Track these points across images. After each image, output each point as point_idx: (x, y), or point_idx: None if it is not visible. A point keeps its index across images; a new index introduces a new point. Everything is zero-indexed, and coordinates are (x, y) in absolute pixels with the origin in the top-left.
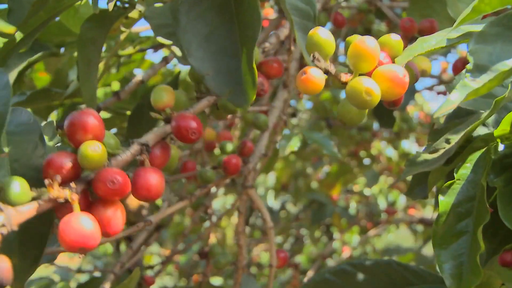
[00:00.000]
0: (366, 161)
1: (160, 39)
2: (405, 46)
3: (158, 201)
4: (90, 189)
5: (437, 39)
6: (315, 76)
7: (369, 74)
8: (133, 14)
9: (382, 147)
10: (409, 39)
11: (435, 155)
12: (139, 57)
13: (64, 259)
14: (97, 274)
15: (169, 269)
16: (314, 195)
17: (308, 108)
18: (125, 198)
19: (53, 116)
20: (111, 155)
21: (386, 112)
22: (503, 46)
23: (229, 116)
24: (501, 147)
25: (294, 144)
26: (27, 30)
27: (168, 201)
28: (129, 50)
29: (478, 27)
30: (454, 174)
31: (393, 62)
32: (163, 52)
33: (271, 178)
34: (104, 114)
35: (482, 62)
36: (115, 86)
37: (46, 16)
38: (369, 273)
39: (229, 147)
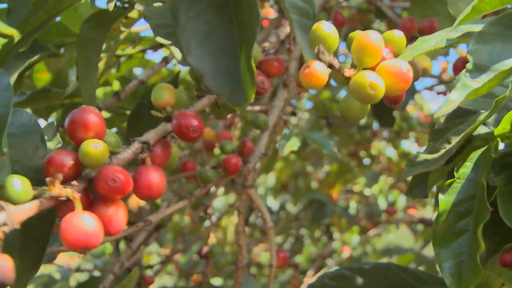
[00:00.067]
0: (366, 161)
1: (160, 39)
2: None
3: (158, 201)
4: (92, 187)
5: (437, 39)
6: (318, 70)
7: (372, 69)
8: (133, 14)
9: (382, 147)
10: (409, 39)
11: (435, 155)
12: (139, 56)
13: (64, 258)
14: (96, 273)
15: (168, 269)
16: (314, 195)
17: (308, 108)
18: (126, 197)
19: (54, 117)
20: (112, 153)
21: (386, 112)
22: (503, 46)
23: (229, 115)
24: (501, 146)
25: (294, 144)
26: (26, 30)
27: (167, 201)
28: (129, 50)
29: (478, 27)
30: (455, 173)
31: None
32: (163, 52)
33: (271, 178)
34: (104, 114)
35: (482, 61)
36: (116, 85)
37: (46, 16)
38: (368, 277)
39: (229, 147)
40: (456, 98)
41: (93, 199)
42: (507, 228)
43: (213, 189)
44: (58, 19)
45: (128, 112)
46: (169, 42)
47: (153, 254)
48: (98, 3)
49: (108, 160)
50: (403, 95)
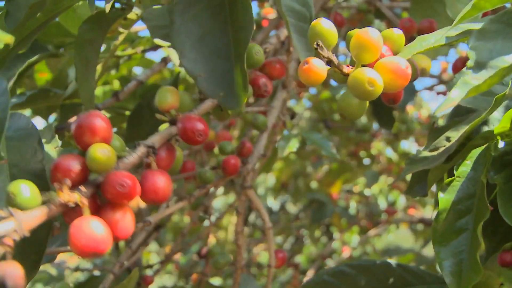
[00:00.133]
0: (366, 161)
1: (157, 41)
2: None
3: None
4: (99, 192)
5: (436, 38)
6: (317, 66)
7: (371, 66)
8: (132, 15)
9: (382, 147)
10: (408, 39)
11: (435, 153)
12: (139, 56)
13: (64, 257)
14: (96, 273)
15: (168, 268)
16: (314, 195)
17: (308, 107)
18: (133, 201)
19: (54, 116)
20: (118, 157)
21: (386, 112)
22: (504, 43)
23: None
24: (501, 144)
25: (293, 145)
26: (25, 32)
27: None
28: (128, 51)
29: (477, 25)
30: (454, 171)
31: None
32: (164, 51)
33: (271, 178)
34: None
35: (482, 59)
36: (116, 84)
37: (44, 18)
38: (368, 274)
39: (228, 147)
40: (456, 95)
41: (100, 204)
42: (507, 227)
43: (212, 189)
44: (57, 19)
45: (127, 113)
46: (167, 44)
47: (153, 252)
48: (97, 3)
49: (115, 164)
50: (401, 94)
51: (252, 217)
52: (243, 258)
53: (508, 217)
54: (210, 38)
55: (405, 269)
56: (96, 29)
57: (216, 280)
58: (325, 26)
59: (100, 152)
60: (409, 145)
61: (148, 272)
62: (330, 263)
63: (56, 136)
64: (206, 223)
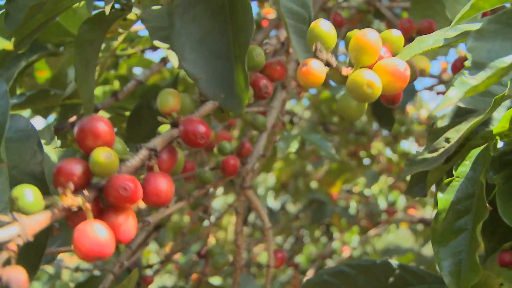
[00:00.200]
0: (366, 161)
1: (157, 43)
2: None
3: None
4: (101, 196)
5: (434, 39)
6: (315, 68)
7: (370, 68)
8: (131, 15)
9: (382, 147)
10: (407, 40)
11: (434, 154)
12: (139, 56)
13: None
14: (96, 272)
15: (168, 267)
16: (314, 195)
17: (308, 107)
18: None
19: (53, 115)
20: (120, 161)
21: (386, 112)
22: (502, 43)
23: None
24: (500, 144)
25: (293, 146)
26: (25, 32)
27: None
28: (128, 51)
29: (475, 26)
30: (453, 171)
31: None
32: (164, 51)
33: (271, 178)
34: (104, 114)
35: (480, 59)
36: (116, 85)
37: (44, 18)
38: (368, 274)
39: (228, 148)
40: (454, 95)
41: (103, 207)
42: (506, 227)
43: (212, 189)
44: (57, 19)
45: (127, 113)
46: (167, 45)
47: (153, 252)
48: (97, 3)
49: (117, 168)
50: (400, 95)
51: (252, 217)
52: (243, 258)
53: (507, 217)
54: (210, 40)
55: (405, 269)
56: (96, 29)
57: (216, 280)
58: (323, 28)
59: (103, 156)
60: (409, 145)
61: (148, 272)
62: (330, 263)
63: (56, 137)
64: (206, 223)
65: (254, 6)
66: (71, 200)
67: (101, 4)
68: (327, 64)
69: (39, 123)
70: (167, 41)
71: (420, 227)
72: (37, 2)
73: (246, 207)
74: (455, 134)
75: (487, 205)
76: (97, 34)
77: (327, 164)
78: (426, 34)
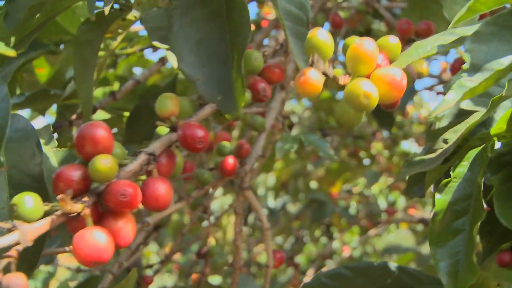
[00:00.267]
0: (366, 161)
1: (156, 44)
2: (402, 48)
3: None
4: (100, 201)
5: (432, 44)
6: (313, 78)
7: (367, 77)
8: (131, 16)
9: (381, 147)
10: (406, 41)
11: (432, 155)
12: (138, 55)
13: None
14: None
15: (168, 267)
16: (314, 195)
17: (308, 107)
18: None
19: (52, 113)
20: (119, 165)
21: (385, 112)
22: (499, 45)
23: None
24: (498, 145)
25: (292, 147)
26: (24, 32)
27: None
28: (127, 50)
29: (473, 29)
30: (451, 172)
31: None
32: (163, 51)
33: (271, 178)
34: (104, 115)
35: (478, 61)
36: (116, 85)
37: (44, 18)
38: (366, 276)
39: (226, 148)
40: (452, 98)
41: (102, 212)
42: (504, 228)
43: (211, 190)
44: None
45: (126, 114)
46: (166, 46)
47: (153, 252)
48: (96, 3)
49: (116, 173)
50: (399, 100)
51: (251, 217)
52: (243, 258)
53: (504, 218)
54: (208, 42)
55: (403, 271)
56: (95, 29)
57: (216, 279)
58: (320, 38)
59: (102, 163)
60: (409, 145)
61: (148, 272)
62: (330, 263)
63: (54, 137)
64: (206, 223)
65: (254, 6)
66: (70, 206)
67: (100, 4)
68: (324, 74)
69: (39, 123)
70: (166, 41)
71: (420, 227)
72: (36, 2)
73: (246, 207)
74: (453, 135)
75: (485, 206)
76: (96, 34)
77: (327, 164)
78: (424, 35)
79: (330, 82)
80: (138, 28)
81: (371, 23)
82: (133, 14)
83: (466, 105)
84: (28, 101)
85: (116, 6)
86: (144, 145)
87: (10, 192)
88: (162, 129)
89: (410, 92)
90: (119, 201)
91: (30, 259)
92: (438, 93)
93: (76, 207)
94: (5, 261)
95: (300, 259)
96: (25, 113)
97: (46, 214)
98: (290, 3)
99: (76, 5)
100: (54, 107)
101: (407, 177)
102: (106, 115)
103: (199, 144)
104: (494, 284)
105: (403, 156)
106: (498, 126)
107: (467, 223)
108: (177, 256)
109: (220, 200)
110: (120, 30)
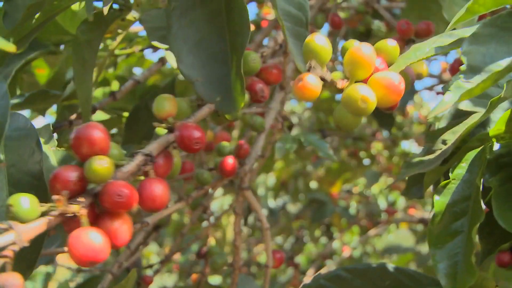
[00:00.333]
0: (366, 161)
1: (155, 44)
2: (401, 48)
3: None
4: (97, 202)
5: (430, 47)
6: (311, 83)
7: (365, 81)
8: (130, 16)
9: (381, 148)
10: (405, 42)
11: (431, 156)
12: (138, 55)
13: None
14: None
15: (168, 267)
16: (314, 195)
17: (308, 107)
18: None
19: (52, 113)
20: (116, 166)
21: (385, 113)
22: (497, 47)
23: None
24: (496, 146)
25: (291, 148)
26: (23, 32)
27: None
28: (127, 50)
29: (471, 31)
30: (450, 173)
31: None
32: (163, 51)
33: (271, 178)
34: (104, 115)
35: (475, 63)
36: (115, 85)
37: (43, 18)
38: (364, 278)
39: (226, 148)
40: (449, 99)
41: (98, 212)
42: (502, 229)
43: (211, 190)
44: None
45: (125, 114)
46: (166, 46)
47: (153, 253)
48: (95, 3)
49: (113, 174)
50: (397, 102)
51: (251, 218)
52: (242, 258)
53: (503, 220)
54: (207, 43)
55: (401, 272)
56: (94, 30)
57: (216, 279)
58: (318, 43)
59: (98, 164)
60: (409, 145)
61: (148, 272)
62: (330, 263)
63: (54, 136)
64: (205, 223)
65: (254, 6)
66: (66, 207)
67: (100, 4)
68: (322, 79)
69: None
70: (165, 40)
71: (420, 227)
72: (35, 1)
73: (246, 207)
74: (451, 136)
75: (483, 207)
76: (96, 35)
77: (327, 164)
78: (424, 36)
79: (329, 86)
80: (138, 28)
81: (370, 23)
82: (133, 15)
83: (465, 106)
84: (27, 102)
85: (115, 6)
86: (143, 145)
87: (10, 191)
88: (161, 130)
89: (410, 92)
90: (115, 201)
91: (28, 259)
92: (438, 93)
93: (73, 207)
94: (0, 261)
95: (300, 259)
96: (25, 113)
97: (44, 214)
98: (289, 4)
99: (75, 6)
100: (54, 107)
101: (406, 178)
102: (106, 116)
103: (195, 145)
104: (493, 284)
105: (403, 156)
106: (496, 127)
107: (465, 225)
108: (177, 256)
109: (220, 200)
110: (119, 30)
